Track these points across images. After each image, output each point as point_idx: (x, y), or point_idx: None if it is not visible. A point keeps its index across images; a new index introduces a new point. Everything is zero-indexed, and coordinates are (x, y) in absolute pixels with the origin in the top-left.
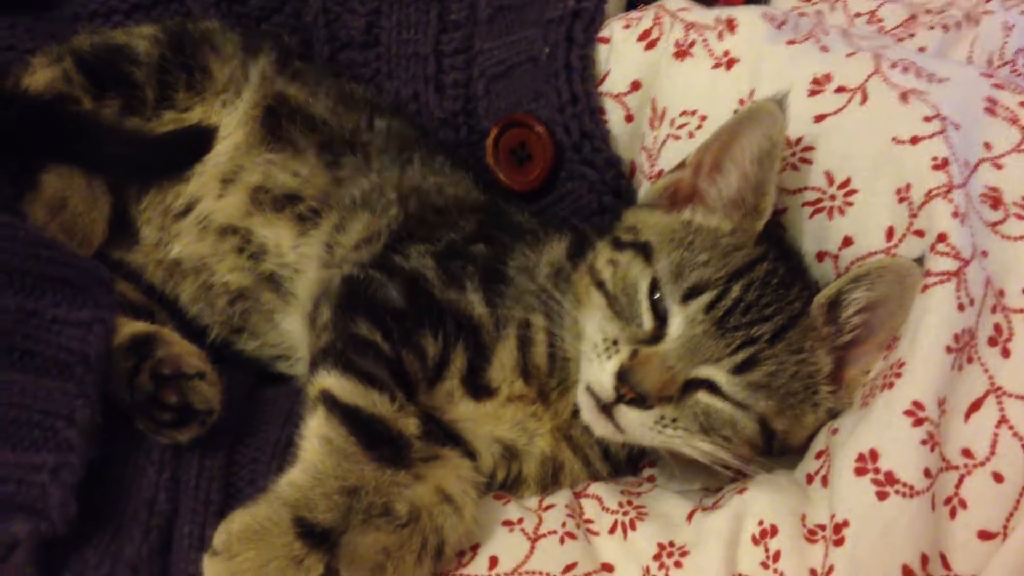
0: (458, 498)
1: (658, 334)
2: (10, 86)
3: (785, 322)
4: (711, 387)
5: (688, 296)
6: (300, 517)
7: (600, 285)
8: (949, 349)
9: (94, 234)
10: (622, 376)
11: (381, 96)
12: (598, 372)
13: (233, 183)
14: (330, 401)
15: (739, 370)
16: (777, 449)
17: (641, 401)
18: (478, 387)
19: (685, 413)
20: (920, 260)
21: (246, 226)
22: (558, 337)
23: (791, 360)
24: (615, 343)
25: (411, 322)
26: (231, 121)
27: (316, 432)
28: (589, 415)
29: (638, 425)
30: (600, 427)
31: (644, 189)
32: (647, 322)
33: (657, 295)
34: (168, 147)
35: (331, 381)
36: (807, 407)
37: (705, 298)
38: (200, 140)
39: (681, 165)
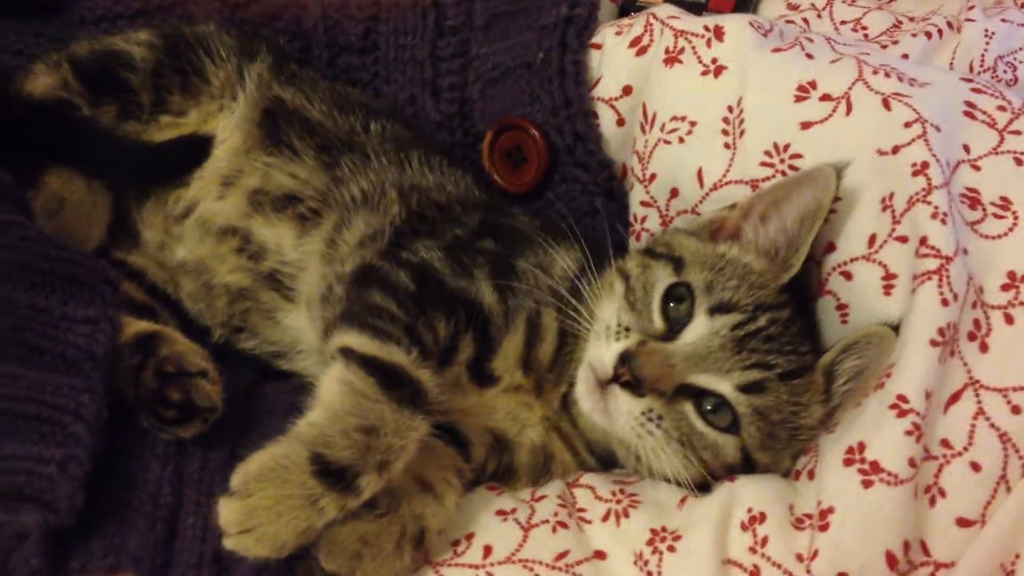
0: (438, 486)
1: (669, 335)
2: (14, 89)
3: (796, 367)
4: (705, 401)
5: (716, 310)
6: (317, 454)
7: (625, 277)
8: (934, 343)
9: (90, 237)
10: (624, 358)
11: (376, 99)
12: (603, 350)
13: (232, 186)
14: (348, 353)
15: (747, 389)
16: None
17: (636, 386)
18: (482, 376)
19: (671, 416)
20: (896, 328)
21: (245, 227)
22: (571, 340)
23: (789, 404)
24: (627, 330)
25: (424, 304)
26: (228, 125)
27: (334, 377)
28: (583, 386)
29: (625, 412)
30: (589, 402)
31: (636, 194)
32: (657, 321)
33: (671, 302)
34: (166, 154)
35: (348, 338)
36: (786, 454)
37: (734, 317)
38: (197, 148)
39: (732, 206)
